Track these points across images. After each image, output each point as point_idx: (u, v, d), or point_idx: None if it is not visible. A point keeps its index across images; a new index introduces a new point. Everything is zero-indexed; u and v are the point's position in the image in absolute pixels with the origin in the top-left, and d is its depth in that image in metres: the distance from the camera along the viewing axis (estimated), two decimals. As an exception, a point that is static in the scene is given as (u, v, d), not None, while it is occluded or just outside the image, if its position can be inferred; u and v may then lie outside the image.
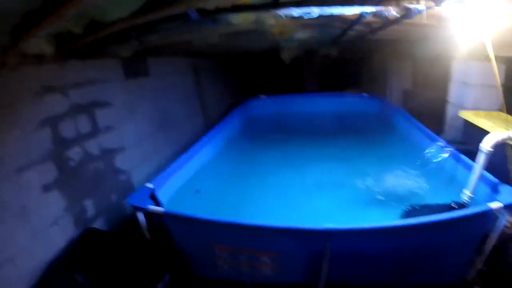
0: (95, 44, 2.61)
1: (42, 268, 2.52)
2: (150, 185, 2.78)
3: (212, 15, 2.28)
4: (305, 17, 2.41)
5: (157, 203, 2.69)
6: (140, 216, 2.49)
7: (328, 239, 2.10)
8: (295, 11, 2.24)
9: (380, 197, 3.34)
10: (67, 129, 2.96)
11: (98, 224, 3.27)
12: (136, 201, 2.53)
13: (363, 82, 8.82)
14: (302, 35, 4.11)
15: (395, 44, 6.26)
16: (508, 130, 2.54)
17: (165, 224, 2.49)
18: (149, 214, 2.48)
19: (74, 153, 3.02)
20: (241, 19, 2.59)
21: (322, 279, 2.29)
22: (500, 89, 2.52)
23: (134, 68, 4.09)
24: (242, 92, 8.74)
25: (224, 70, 8.15)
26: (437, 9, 2.50)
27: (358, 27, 3.73)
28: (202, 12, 2.21)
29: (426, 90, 6.58)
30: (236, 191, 3.65)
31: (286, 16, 2.48)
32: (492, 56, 2.32)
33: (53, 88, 2.84)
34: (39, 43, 2.22)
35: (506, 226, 2.87)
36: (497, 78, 2.47)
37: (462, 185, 2.89)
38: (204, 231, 2.42)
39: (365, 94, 7.05)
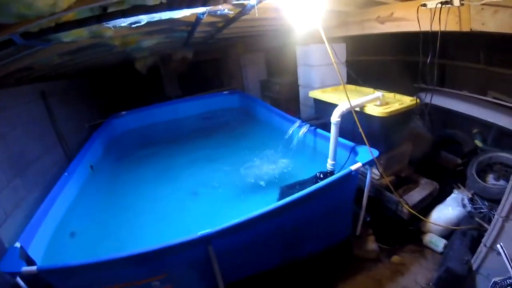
0: None
1: None
2: (18, 244, 2.45)
3: (39, 37, 2.09)
4: (134, 26, 2.35)
5: (31, 261, 2.39)
6: (19, 281, 2.19)
7: (209, 242, 2.11)
8: (123, 21, 2.17)
9: (256, 186, 3.46)
10: None
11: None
12: (8, 266, 2.22)
13: (223, 80, 9.05)
14: (149, 42, 4.01)
15: (246, 39, 6.58)
16: (350, 99, 2.87)
17: (47, 281, 2.26)
18: (30, 276, 2.19)
19: None
20: (73, 36, 2.41)
21: (219, 282, 2.31)
22: (336, 66, 2.80)
23: (-28, 108, 3.49)
24: (104, 111, 8.22)
25: (79, 91, 7.53)
26: (271, 2, 2.67)
27: (203, 28, 3.79)
28: (28, 35, 2.02)
29: (280, 77, 7.05)
30: (112, 220, 3.40)
31: (115, 27, 2.40)
32: (324, 37, 2.57)
33: None
34: None
35: (374, 179, 3.31)
36: (332, 56, 2.75)
37: (325, 155, 3.19)
38: (86, 275, 2.23)
39: (224, 91, 7.25)
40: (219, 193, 3.52)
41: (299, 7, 2.92)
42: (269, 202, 2.98)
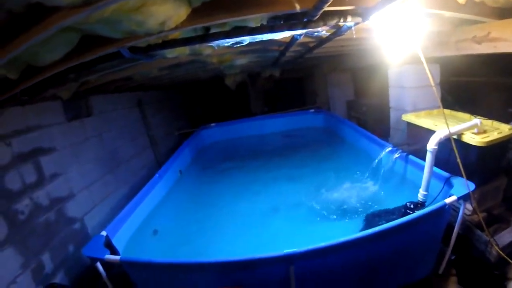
0: (33, 88, 2.50)
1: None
2: (104, 233, 2.66)
3: (145, 52, 2.26)
4: (236, 46, 2.44)
5: (113, 251, 2.58)
6: (98, 266, 2.38)
7: (291, 263, 2.07)
8: (226, 41, 2.27)
9: (339, 211, 3.34)
10: (13, 180, 2.79)
11: (59, 278, 3.07)
12: (91, 251, 2.43)
13: (307, 98, 9.04)
14: (241, 61, 4.17)
15: (334, 58, 6.50)
16: (448, 126, 2.67)
17: (125, 271, 2.38)
18: (106, 263, 2.36)
19: (23, 206, 2.84)
20: (175, 53, 2.59)
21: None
22: (435, 88, 2.64)
23: (75, 109, 3.93)
24: (191, 121, 8.69)
25: (171, 101, 8.07)
26: (366, 23, 2.62)
27: (294, 48, 3.82)
28: (135, 49, 2.20)
29: (368, 98, 6.85)
30: (194, 226, 3.54)
31: (218, 47, 2.50)
32: (422, 58, 2.45)
33: None
34: None
35: (466, 214, 3.02)
36: (430, 78, 2.60)
37: (415, 184, 2.99)
38: (165, 274, 2.33)
39: (311, 110, 7.22)
40: (300, 213, 3.47)
41: (395, 28, 2.82)
42: (352, 229, 2.89)
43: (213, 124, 6.88)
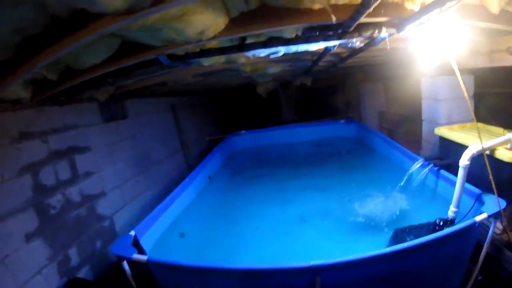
0: (72, 89, 2.62)
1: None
2: (132, 232, 2.73)
3: (183, 59, 2.33)
4: (272, 56, 2.48)
5: (141, 250, 2.64)
6: (125, 265, 2.43)
7: (317, 274, 2.06)
8: (262, 51, 2.31)
9: (367, 224, 3.29)
10: (47, 176, 2.92)
11: (83, 273, 3.18)
12: (119, 249, 2.48)
13: (338, 107, 8.98)
14: (274, 69, 4.22)
15: (366, 68, 6.46)
16: (483, 140, 2.61)
17: (151, 272, 2.43)
18: (133, 262, 2.42)
19: (55, 201, 2.97)
20: (211, 61, 2.65)
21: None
22: (469, 101, 2.59)
23: (111, 111, 4.08)
24: (221, 127, 8.79)
25: (203, 107, 8.22)
26: (401, 33, 2.62)
27: (327, 58, 3.83)
28: (173, 57, 2.27)
29: (400, 109, 6.74)
30: (221, 231, 3.57)
31: (253, 56, 2.55)
32: (457, 70, 2.41)
33: (32, 134, 2.82)
34: (16, 89, 2.24)
35: (495, 233, 2.92)
36: (465, 90, 2.55)
37: (446, 200, 2.92)
38: (190, 277, 2.35)
39: (341, 120, 7.17)
40: (328, 224, 3.43)
41: (429, 38, 2.79)
42: (380, 242, 2.85)
43: (243, 131, 6.94)
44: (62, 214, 3.04)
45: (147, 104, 5.18)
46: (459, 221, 2.62)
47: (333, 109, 9.02)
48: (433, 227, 2.79)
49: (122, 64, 2.11)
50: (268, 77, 5.82)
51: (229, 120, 9.48)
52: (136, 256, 2.39)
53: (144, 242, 2.80)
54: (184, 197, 3.89)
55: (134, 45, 1.96)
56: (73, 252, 3.10)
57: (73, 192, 3.24)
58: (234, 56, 2.69)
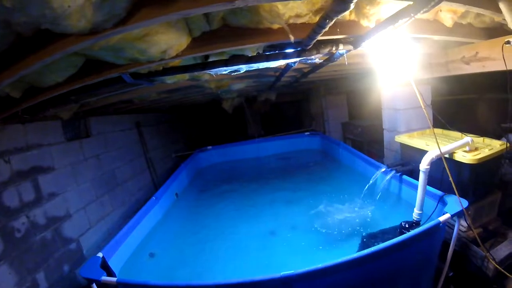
0: (34, 107, 2.58)
1: None
2: (100, 254, 2.68)
3: (147, 78, 2.35)
4: (233, 74, 2.54)
5: (110, 272, 2.58)
6: (94, 288, 2.38)
7: (290, 285, 2.09)
8: (225, 69, 2.36)
9: (335, 233, 3.36)
10: (10, 198, 2.85)
11: (53, 299, 3.08)
12: (88, 272, 2.42)
13: (303, 121, 9.15)
14: (238, 85, 4.28)
15: (329, 82, 6.65)
16: (441, 145, 2.76)
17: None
18: (103, 285, 2.36)
19: (20, 223, 2.90)
20: (175, 78, 2.68)
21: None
22: (425, 110, 2.74)
23: (75, 129, 4.02)
24: (189, 143, 8.76)
25: (169, 123, 8.16)
26: (358, 49, 2.74)
27: (290, 74, 3.93)
28: (136, 75, 2.29)
29: (362, 120, 6.96)
30: (191, 249, 3.53)
31: (216, 74, 2.60)
32: (412, 82, 2.54)
33: None
34: None
35: (461, 231, 3.06)
36: (421, 100, 2.70)
37: (410, 204, 3.05)
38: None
39: (305, 133, 7.31)
40: (297, 236, 3.48)
41: (386, 53, 2.93)
42: (349, 250, 2.92)
43: (210, 147, 6.93)
44: (28, 237, 2.96)
45: (112, 122, 5.11)
46: (424, 223, 2.72)
47: (298, 123, 9.17)
48: (399, 230, 2.90)
49: (86, 82, 2.11)
50: (233, 93, 5.88)
51: (196, 137, 9.46)
52: (106, 278, 2.34)
53: (113, 264, 2.74)
54: (151, 216, 3.83)
55: (98, 63, 1.97)
56: (40, 277, 3.01)
57: (38, 214, 3.16)
58: (197, 73, 2.72)
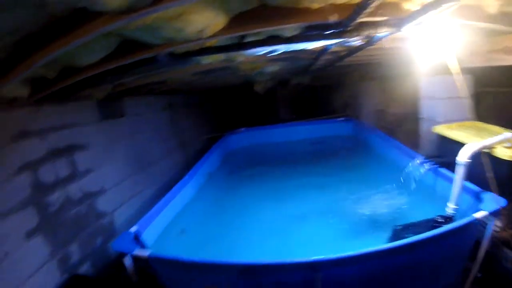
0: (70, 88, 2.62)
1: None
2: (134, 228, 2.74)
3: (181, 57, 2.34)
4: (269, 56, 2.49)
5: (142, 247, 2.65)
6: (126, 261, 2.44)
7: (317, 270, 2.07)
8: (261, 50, 2.32)
9: (365, 222, 3.31)
10: (47, 174, 2.92)
11: (84, 270, 3.20)
12: (120, 246, 2.50)
13: (336, 106, 8.99)
14: (272, 68, 4.22)
15: (364, 67, 6.46)
16: (481, 138, 2.62)
17: (152, 268, 2.44)
18: (134, 258, 2.43)
19: (55, 198, 2.98)
20: (210, 59, 2.66)
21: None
22: (466, 100, 2.61)
23: (110, 109, 4.08)
24: (219, 125, 8.79)
25: (200, 105, 8.21)
26: (399, 33, 2.63)
27: (326, 57, 3.84)
28: (172, 55, 2.28)
29: (398, 108, 6.75)
30: (220, 228, 3.61)
31: (252, 55, 2.56)
32: (454, 69, 2.42)
33: (30, 132, 2.82)
34: (14, 87, 2.25)
35: (495, 231, 2.93)
36: (463, 89, 2.56)
37: (444, 197, 2.94)
38: (191, 273, 2.37)
39: (339, 118, 7.18)
40: (327, 222, 3.45)
41: (428, 38, 2.80)
42: (379, 240, 2.87)
43: (241, 129, 6.95)
44: (62, 211, 3.05)
45: (145, 102, 5.18)
46: (458, 219, 2.62)
47: (331, 108, 9.02)
48: (432, 224, 2.81)
49: (121, 63, 2.11)
50: (266, 76, 5.82)
51: (227, 119, 9.49)
52: (138, 252, 2.40)
53: (145, 239, 2.82)
54: (183, 194, 3.91)
55: (133, 43, 1.96)
56: (73, 249, 3.11)
57: (73, 190, 3.25)
58: (232, 54, 2.69)
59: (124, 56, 2.05)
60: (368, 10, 1.65)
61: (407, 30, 2.21)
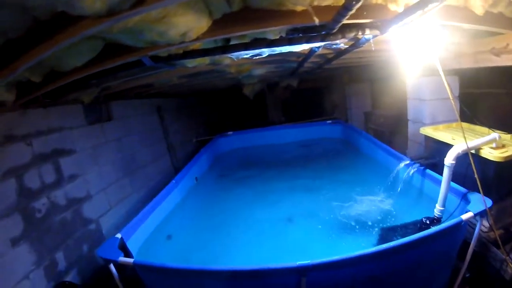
0: (56, 92, 2.59)
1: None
2: (119, 235, 2.71)
3: (167, 61, 2.31)
4: (255, 57, 2.48)
5: (127, 253, 2.62)
6: (111, 268, 2.41)
7: (303, 274, 2.06)
8: (246, 53, 2.31)
9: (353, 224, 3.30)
10: (32, 179, 2.89)
11: (71, 277, 3.15)
12: (106, 252, 2.45)
13: (325, 108, 9.03)
14: (260, 71, 4.21)
15: (352, 69, 6.50)
16: (468, 139, 2.64)
17: (138, 274, 2.41)
18: (120, 265, 2.39)
19: (40, 204, 2.94)
20: (196, 62, 2.64)
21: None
22: (453, 101, 2.62)
23: (97, 113, 4.04)
24: (208, 128, 8.77)
25: (190, 108, 8.17)
26: (385, 35, 2.64)
27: (313, 59, 3.84)
28: (156, 58, 2.25)
29: (386, 110, 6.79)
30: (208, 233, 3.57)
31: (237, 58, 2.54)
32: (441, 71, 2.43)
33: (15, 137, 2.79)
34: None
35: (482, 231, 2.95)
36: (449, 91, 2.57)
37: (432, 199, 2.95)
38: (177, 279, 2.34)
39: (327, 121, 7.21)
40: (314, 225, 3.43)
41: (413, 40, 2.81)
42: (366, 242, 2.86)
43: (230, 132, 6.94)
44: (48, 217, 3.01)
45: (133, 106, 5.13)
46: (445, 220, 2.64)
47: (320, 110, 9.05)
48: (420, 225, 2.82)
49: (106, 66, 2.10)
50: (254, 79, 5.82)
51: (216, 122, 9.46)
52: (123, 259, 2.38)
53: (131, 245, 2.78)
54: (170, 199, 3.87)
55: (117, 46, 1.94)
56: (60, 256, 3.06)
57: (59, 195, 3.21)
58: (218, 57, 2.67)
59: (108, 59, 2.03)
60: (352, 11, 1.64)
61: (393, 32, 2.21)
